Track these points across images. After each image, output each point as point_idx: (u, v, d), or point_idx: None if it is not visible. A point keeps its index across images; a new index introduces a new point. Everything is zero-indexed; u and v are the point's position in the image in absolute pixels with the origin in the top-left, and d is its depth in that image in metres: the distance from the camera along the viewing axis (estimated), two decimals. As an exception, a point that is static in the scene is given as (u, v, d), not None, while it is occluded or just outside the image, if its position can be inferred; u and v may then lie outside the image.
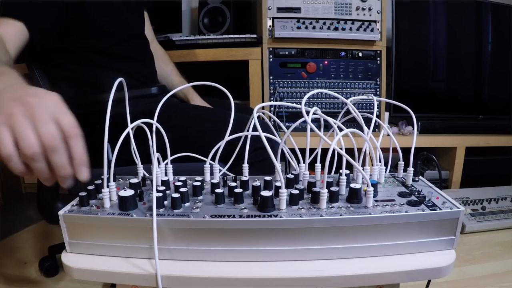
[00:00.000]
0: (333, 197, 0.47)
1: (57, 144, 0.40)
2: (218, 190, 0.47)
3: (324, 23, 1.48)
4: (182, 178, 0.54)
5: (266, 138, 0.46)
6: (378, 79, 1.57)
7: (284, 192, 0.45)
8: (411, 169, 0.55)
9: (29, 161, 0.39)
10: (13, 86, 0.45)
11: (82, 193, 0.47)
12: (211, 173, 0.58)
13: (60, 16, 0.78)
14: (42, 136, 0.39)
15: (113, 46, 0.89)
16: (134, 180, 0.52)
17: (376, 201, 0.47)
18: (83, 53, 0.85)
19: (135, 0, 0.99)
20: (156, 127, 0.54)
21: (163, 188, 0.49)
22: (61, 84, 0.87)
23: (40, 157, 0.40)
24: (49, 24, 0.76)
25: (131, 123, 0.52)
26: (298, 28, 1.47)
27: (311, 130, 0.48)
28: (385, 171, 0.57)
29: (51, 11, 0.76)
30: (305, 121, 0.49)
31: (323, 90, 0.62)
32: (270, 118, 1.06)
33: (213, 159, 0.57)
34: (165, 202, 0.46)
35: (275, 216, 0.43)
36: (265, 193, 0.45)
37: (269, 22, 1.48)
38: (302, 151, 0.57)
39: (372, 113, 0.54)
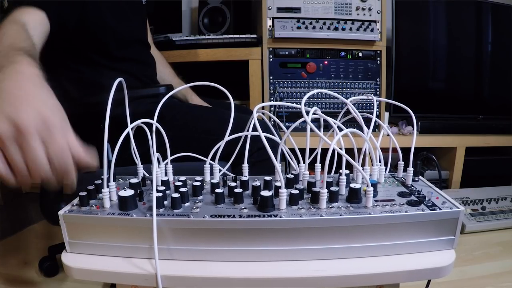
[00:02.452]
0: (333, 197, 0.47)
1: (42, 181, 0.39)
2: (218, 190, 0.47)
3: (324, 23, 1.48)
4: (182, 178, 0.54)
5: (266, 138, 0.46)
6: (378, 79, 1.57)
7: (284, 192, 0.45)
8: (411, 169, 0.55)
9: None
10: (3, 85, 0.41)
11: (82, 193, 0.47)
12: (211, 173, 0.58)
13: (75, 12, 0.78)
14: (32, 170, 0.38)
15: (120, 49, 0.91)
16: (134, 180, 0.52)
17: (376, 201, 0.47)
18: (90, 53, 0.86)
19: (140, 8, 1.03)
20: (156, 127, 0.54)
21: (163, 188, 0.49)
22: (65, 84, 0.87)
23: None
24: (66, 17, 0.76)
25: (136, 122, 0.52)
26: (298, 28, 1.47)
27: (311, 130, 0.48)
28: (385, 171, 0.57)
29: (68, 5, 0.76)
30: (305, 121, 0.49)
31: (323, 90, 0.62)
32: (270, 118, 1.06)
33: (213, 159, 0.57)
34: (165, 202, 0.46)
35: (275, 216, 0.43)
36: (265, 193, 0.45)
37: (269, 22, 1.48)
38: (302, 151, 0.57)
39: (372, 113, 0.54)
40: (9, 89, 0.41)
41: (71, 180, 0.42)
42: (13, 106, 0.39)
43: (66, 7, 0.75)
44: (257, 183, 0.49)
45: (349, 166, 0.49)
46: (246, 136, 0.58)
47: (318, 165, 0.57)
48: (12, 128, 0.38)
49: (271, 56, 1.51)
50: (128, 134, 0.50)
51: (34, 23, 0.67)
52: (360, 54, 1.54)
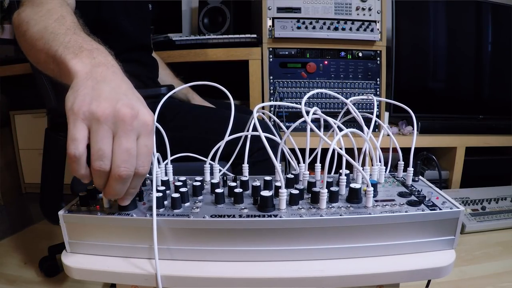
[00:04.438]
0: (333, 197, 0.47)
1: (128, 177, 0.38)
2: (218, 190, 0.47)
3: (324, 23, 1.48)
4: (182, 178, 0.54)
5: (266, 138, 0.46)
6: (378, 79, 1.57)
7: (284, 192, 0.45)
8: (411, 169, 0.55)
9: (93, 172, 0.38)
10: (114, 79, 0.41)
11: (82, 193, 0.47)
12: (211, 173, 0.58)
13: (91, 12, 0.79)
14: (117, 164, 0.37)
15: (127, 51, 0.93)
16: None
17: (376, 201, 0.47)
18: None
19: (148, 13, 1.07)
20: (156, 127, 0.54)
21: (163, 188, 0.49)
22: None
23: (105, 176, 0.38)
24: (82, 16, 0.76)
25: None
26: (298, 28, 1.47)
27: (311, 130, 0.48)
28: (385, 171, 0.57)
29: (85, 5, 0.76)
30: (305, 121, 0.49)
31: (323, 90, 0.62)
32: (270, 118, 1.06)
33: (213, 159, 0.57)
34: (165, 202, 0.46)
35: (275, 216, 0.43)
36: (265, 193, 0.45)
37: (269, 22, 1.48)
38: (302, 151, 0.57)
39: (372, 113, 0.54)
40: (110, 77, 0.41)
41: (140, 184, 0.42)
42: (120, 94, 0.39)
43: (83, 6, 0.76)
44: (257, 183, 0.49)
45: (349, 166, 0.49)
46: (246, 136, 0.58)
47: (318, 165, 0.57)
48: (114, 114, 0.37)
49: (271, 56, 1.51)
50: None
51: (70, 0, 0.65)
52: (360, 54, 1.54)
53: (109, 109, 0.37)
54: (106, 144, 0.37)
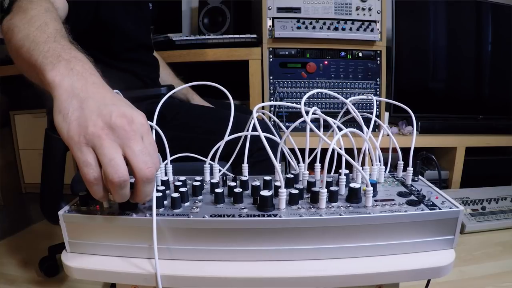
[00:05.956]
0: (332, 197, 0.47)
1: (153, 176, 0.39)
2: (218, 190, 0.47)
3: (324, 23, 1.48)
4: (182, 178, 0.54)
5: (266, 138, 0.46)
6: (378, 79, 1.57)
7: (283, 192, 0.45)
8: (410, 169, 0.55)
9: (112, 188, 0.38)
10: (96, 91, 0.41)
11: (82, 193, 0.47)
12: (211, 173, 0.58)
13: (89, 12, 0.79)
14: (140, 167, 0.38)
15: (127, 51, 0.93)
16: (133, 180, 0.52)
17: (376, 200, 0.47)
18: (97, 52, 0.87)
19: (148, 13, 1.08)
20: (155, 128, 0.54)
21: (162, 188, 0.49)
22: None
23: (126, 185, 0.39)
24: (81, 16, 0.75)
25: None
26: (298, 28, 1.47)
27: (311, 130, 0.48)
28: (385, 171, 0.57)
29: (84, 5, 0.76)
30: (304, 121, 0.49)
31: (323, 90, 0.62)
32: (270, 118, 1.06)
33: (213, 159, 0.57)
34: (165, 202, 0.46)
35: (275, 215, 0.43)
36: (265, 192, 0.45)
37: (269, 22, 1.48)
38: (302, 151, 0.57)
39: (372, 113, 0.54)
40: (91, 90, 0.41)
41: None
42: (109, 105, 0.39)
43: (81, 7, 0.75)
44: (257, 183, 0.49)
45: (349, 166, 0.49)
46: (246, 136, 0.58)
47: (317, 165, 0.57)
48: (113, 127, 0.38)
49: (271, 56, 1.52)
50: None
51: (59, 4, 0.66)
52: (360, 54, 1.54)
53: (106, 124, 0.38)
54: (115, 153, 0.37)
